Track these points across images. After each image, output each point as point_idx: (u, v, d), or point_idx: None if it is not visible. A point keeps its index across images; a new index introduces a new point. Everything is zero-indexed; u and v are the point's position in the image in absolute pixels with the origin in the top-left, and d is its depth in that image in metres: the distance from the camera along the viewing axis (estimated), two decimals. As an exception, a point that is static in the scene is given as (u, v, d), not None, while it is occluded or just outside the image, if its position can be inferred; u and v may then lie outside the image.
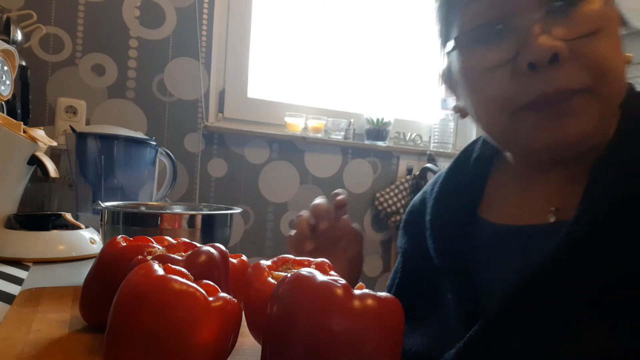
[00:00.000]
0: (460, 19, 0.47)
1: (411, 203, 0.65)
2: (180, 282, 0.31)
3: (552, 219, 0.47)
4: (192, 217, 0.63)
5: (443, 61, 0.53)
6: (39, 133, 0.90)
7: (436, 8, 0.51)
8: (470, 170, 0.58)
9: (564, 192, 0.47)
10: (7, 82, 0.88)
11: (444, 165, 1.90)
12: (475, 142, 0.62)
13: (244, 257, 0.50)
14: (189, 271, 0.34)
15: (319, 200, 0.62)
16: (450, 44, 0.49)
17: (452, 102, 0.57)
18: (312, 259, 0.43)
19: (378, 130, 1.97)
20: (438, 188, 0.60)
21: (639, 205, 0.40)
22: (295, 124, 1.88)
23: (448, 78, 0.53)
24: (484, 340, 0.45)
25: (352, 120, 1.98)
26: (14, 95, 1.02)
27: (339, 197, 0.63)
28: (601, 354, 0.37)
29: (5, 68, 0.88)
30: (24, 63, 1.16)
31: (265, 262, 0.45)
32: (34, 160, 0.87)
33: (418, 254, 0.59)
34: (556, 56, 0.40)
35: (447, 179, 0.60)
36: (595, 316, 0.39)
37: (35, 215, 0.89)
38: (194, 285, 0.32)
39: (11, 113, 1.06)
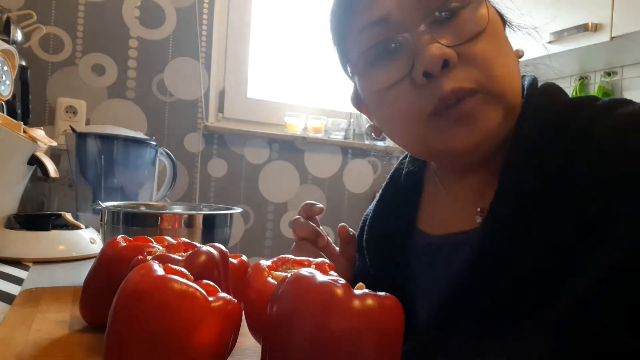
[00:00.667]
0: (356, 44, 0.49)
1: (362, 220, 0.66)
2: (180, 282, 0.31)
3: (478, 220, 0.48)
4: (192, 217, 0.63)
5: (351, 84, 0.55)
6: (39, 133, 0.90)
7: (331, 34, 0.53)
8: (402, 185, 0.60)
9: (486, 193, 0.49)
10: (7, 82, 0.88)
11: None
12: (404, 157, 0.63)
13: (244, 257, 0.50)
14: (189, 271, 0.34)
15: (301, 220, 0.62)
16: (349, 68, 0.52)
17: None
18: (312, 259, 0.43)
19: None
20: (373, 207, 0.62)
21: (543, 197, 0.41)
22: (295, 124, 1.88)
23: (357, 101, 0.56)
24: (419, 350, 0.46)
25: (352, 120, 1.98)
26: (14, 95, 1.02)
27: (314, 207, 0.62)
28: (528, 353, 0.38)
29: (5, 68, 0.88)
30: (24, 63, 1.16)
31: (265, 262, 0.45)
32: (34, 160, 0.87)
33: (366, 270, 0.60)
34: (447, 62, 0.42)
35: (381, 197, 0.61)
36: (519, 313, 0.40)
37: (35, 215, 0.89)
38: (194, 285, 0.32)
39: (11, 113, 1.06)
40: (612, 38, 1.57)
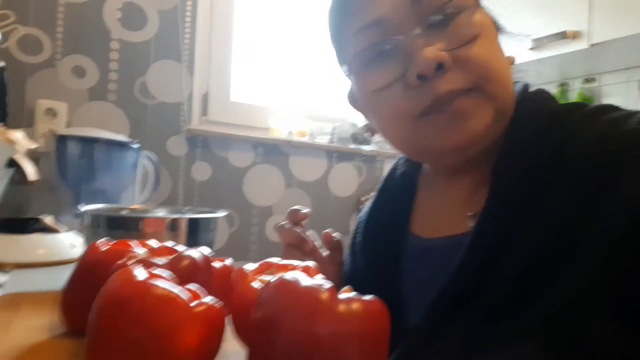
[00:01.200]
0: (352, 44, 0.50)
1: (357, 221, 0.66)
2: (161, 287, 0.31)
3: (470, 224, 0.49)
4: (175, 221, 0.62)
5: (348, 84, 0.56)
6: (18, 135, 0.88)
7: (330, 35, 0.55)
8: (396, 188, 0.60)
9: (477, 196, 0.49)
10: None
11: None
12: (399, 159, 0.64)
13: (228, 261, 0.50)
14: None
15: (286, 226, 0.63)
16: (345, 67, 0.52)
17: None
18: (296, 263, 0.43)
19: (363, 134, 1.98)
20: (367, 209, 0.62)
21: (531, 202, 0.42)
22: (280, 128, 1.87)
23: (353, 100, 0.56)
24: (410, 352, 0.46)
25: (337, 124, 1.99)
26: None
27: (299, 213, 0.63)
28: (520, 354, 0.38)
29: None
30: (2, 64, 1.14)
31: (249, 267, 0.44)
32: (13, 163, 0.86)
33: (357, 273, 0.60)
34: (441, 65, 0.43)
35: (375, 200, 0.62)
36: (511, 315, 0.40)
37: (14, 219, 0.87)
38: (175, 290, 0.31)
39: (-11, 115, 1.03)
40: (590, 45, 1.60)
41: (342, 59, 0.53)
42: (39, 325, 0.45)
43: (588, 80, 1.92)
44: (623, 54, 1.69)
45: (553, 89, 2.04)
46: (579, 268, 0.38)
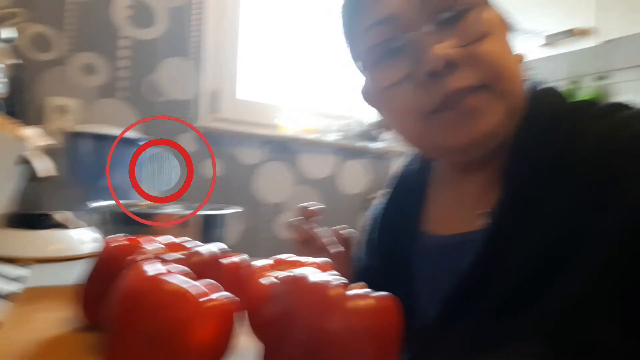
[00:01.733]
0: (364, 41, 0.50)
1: (368, 218, 0.66)
2: (171, 282, 0.31)
3: (482, 222, 0.49)
4: (188, 217, 0.62)
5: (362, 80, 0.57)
6: (32, 132, 0.89)
7: (343, 32, 0.55)
8: (409, 184, 0.61)
9: (489, 194, 0.49)
10: (4, 80, 0.88)
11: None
12: (410, 155, 0.64)
13: (240, 257, 0.50)
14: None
15: (296, 222, 0.63)
16: (360, 64, 0.53)
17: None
18: (308, 259, 0.43)
19: (372, 132, 1.97)
20: (380, 206, 0.62)
21: (539, 201, 0.42)
22: (289, 125, 1.88)
23: (367, 95, 0.57)
24: (421, 349, 0.47)
25: (346, 121, 1.99)
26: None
27: (311, 209, 0.64)
28: (528, 353, 0.38)
29: (1, 66, 0.87)
30: (17, 61, 1.15)
31: (261, 263, 0.45)
32: (26, 160, 0.87)
33: (372, 269, 0.60)
34: (451, 62, 0.43)
35: (390, 196, 0.62)
36: (521, 314, 0.40)
37: (28, 215, 0.88)
38: (185, 286, 0.31)
39: (5, 112, 1.05)
40: (601, 42, 1.59)
41: (356, 55, 0.54)
42: (59, 319, 0.46)
43: (599, 78, 1.90)
44: (635, 52, 1.67)
45: (564, 87, 2.02)
46: (582, 269, 0.38)
